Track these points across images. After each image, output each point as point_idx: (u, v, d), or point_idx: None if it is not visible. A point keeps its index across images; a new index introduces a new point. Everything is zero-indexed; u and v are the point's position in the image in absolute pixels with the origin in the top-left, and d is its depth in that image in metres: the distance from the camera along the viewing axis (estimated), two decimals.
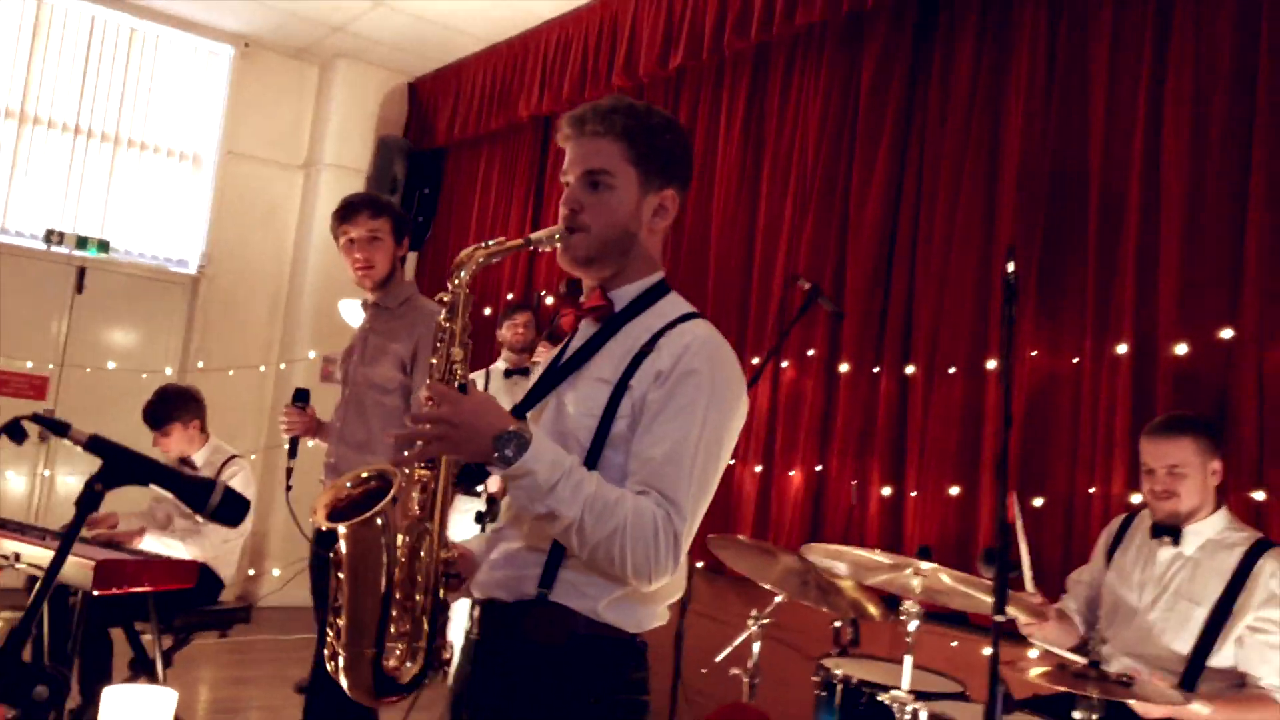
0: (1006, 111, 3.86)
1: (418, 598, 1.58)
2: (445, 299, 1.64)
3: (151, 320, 6.91)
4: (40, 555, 3.43)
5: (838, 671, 2.86)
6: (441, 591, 1.60)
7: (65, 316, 6.53)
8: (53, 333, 6.49)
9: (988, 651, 3.47)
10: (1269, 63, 3.14)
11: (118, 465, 1.31)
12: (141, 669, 3.82)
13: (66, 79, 6.54)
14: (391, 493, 1.55)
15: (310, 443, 3.22)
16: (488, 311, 6.14)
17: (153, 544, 3.91)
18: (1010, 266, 2.24)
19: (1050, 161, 3.69)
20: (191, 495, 1.40)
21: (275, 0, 6.34)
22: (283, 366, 6.94)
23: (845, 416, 4.17)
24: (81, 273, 6.56)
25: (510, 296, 6.20)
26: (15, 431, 1.27)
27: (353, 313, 5.58)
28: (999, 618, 1.87)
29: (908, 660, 2.44)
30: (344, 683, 1.60)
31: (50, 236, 6.33)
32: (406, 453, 1.50)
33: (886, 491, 3.97)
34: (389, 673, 1.60)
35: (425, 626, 1.59)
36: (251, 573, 6.57)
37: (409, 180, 6.88)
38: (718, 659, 3.24)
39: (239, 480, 4.18)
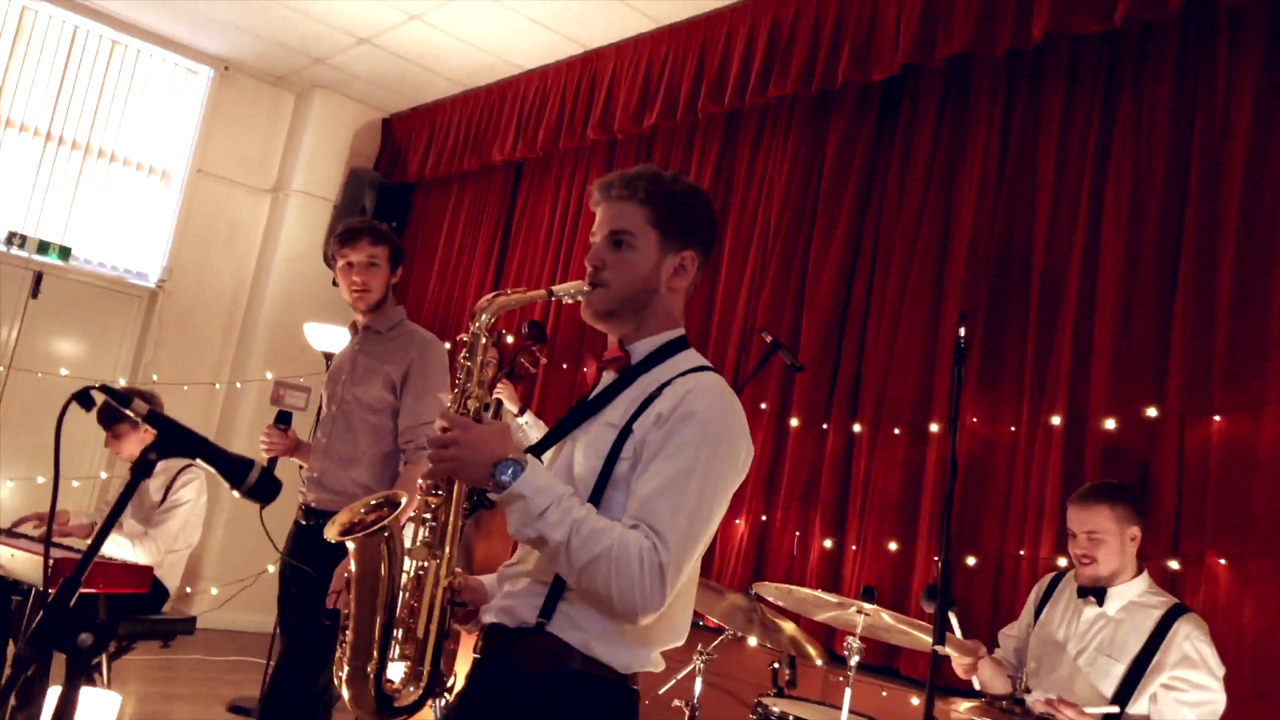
0: (959, 191, 4.12)
1: (422, 620, 1.64)
2: (465, 339, 1.75)
3: (106, 330, 6.89)
4: None
5: (775, 709, 2.99)
6: (448, 620, 1.67)
7: (18, 320, 6.49)
8: (3, 336, 6.45)
9: (916, 702, 3.65)
10: (1199, 162, 3.42)
11: (170, 438, 1.42)
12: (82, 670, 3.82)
13: (43, 85, 6.58)
14: (398, 510, 1.65)
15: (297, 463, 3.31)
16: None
17: (108, 544, 3.92)
18: (961, 330, 2.45)
19: (997, 242, 3.94)
20: (231, 471, 1.51)
21: (261, 29, 6.47)
22: (239, 385, 6.96)
23: (792, 469, 4.35)
24: (38, 277, 6.54)
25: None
26: (84, 399, 1.37)
27: (319, 336, 5.64)
28: (938, 648, 2.03)
29: (848, 693, 2.58)
30: (345, 694, 1.66)
31: (12, 238, 6.32)
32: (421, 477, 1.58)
33: (828, 543, 4.14)
34: (388, 692, 1.66)
35: (429, 651, 1.65)
36: (189, 590, 6.51)
37: (377, 212, 6.99)
38: (661, 691, 3.35)
39: (193, 488, 4.22)
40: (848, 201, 4.47)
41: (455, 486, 1.67)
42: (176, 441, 1.43)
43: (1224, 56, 3.46)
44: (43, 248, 6.44)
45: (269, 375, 6.89)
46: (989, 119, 4.09)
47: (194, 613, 6.39)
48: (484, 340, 1.74)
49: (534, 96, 6.17)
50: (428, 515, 1.68)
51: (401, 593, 1.67)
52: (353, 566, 1.67)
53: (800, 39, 4.53)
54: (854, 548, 4.07)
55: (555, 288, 1.76)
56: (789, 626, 3.30)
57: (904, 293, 4.17)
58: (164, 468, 4.27)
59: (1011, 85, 4.06)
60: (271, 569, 6.27)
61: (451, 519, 1.67)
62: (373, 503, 1.73)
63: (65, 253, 6.54)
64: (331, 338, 5.59)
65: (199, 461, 1.46)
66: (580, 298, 1.77)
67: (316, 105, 7.35)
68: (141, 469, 1.38)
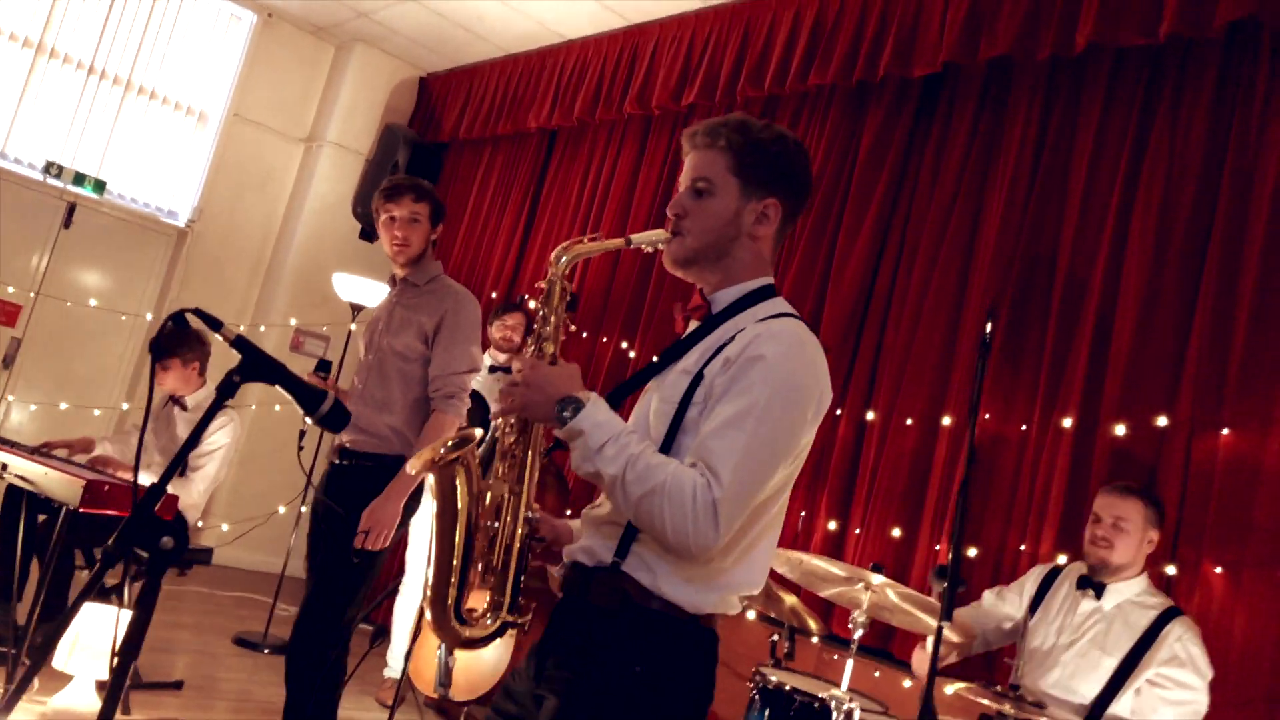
0: (990, 193, 4.18)
1: (499, 552, 1.70)
2: (541, 285, 1.79)
3: (133, 265, 6.98)
4: (27, 468, 3.55)
5: (773, 678, 3.09)
6: (527, 555, 1.73)
7: (49, 249, 6.59)
8: (34, 264, 6.55)
9: (908, 684, 3.74)
10: (1230, 182, 3.48)
11: (253, 362, 1.50)
12: (98, 592, 3.93)
13: (88, 18, 6.65)
14: (473, 444, 1.71)
15: None
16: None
17: (145, 480, 4.03)
18: (989, 326, 2.53)
19: (1024, 245, 4.00)
20: (306, 400, 1.59)
21: None
22: (262, 329, 7.05)
23: None
24: (72, 208, 6.63)
25: (495, 295, 6.41)
26: (180, 320, 1.46)
27: (347, 287, 5.73)
28: (945, 624, 2.12)
29: (849, 665, 2.68)
30: (428, 616, 1.73)
31: (49, 168, 6.40)
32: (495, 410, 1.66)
33: (832, 525, 4.24)
34: (468, 619, 1.72)
35: (509, 583, 1.71)
36: (200, 525, 6.63)
37: (409, 169, 7.06)
38: None
39: (225, 432, 4.33)
40: (879, 193, 4.53)
41: (533, 425, 1.73)
42: (260, 367, 1.51)
43: (1264, 80, 3.51)
44: (78, 179, 6.53)
45: (293, 322, 7.00)
46: (1025, 122, 4.14)
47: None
48: (559, 286, 1.78)
49: (574, 66, 6.23)
50: (507, 454, 1.74)
51: (480, 525, 1.73)
52: (434, 498, 1.74)
53: (845, 29, 4.59)
54: (857, 531, 4.16)
55: (634, 236, 1.79)
56: (790, 598, 3.41)
57: (928, 287, 4.24)
58: (198, 405, 4.37)
59: (1050, 91, 4.11)
60: (283, 509, 6.40)
61: (530, 456, 1.72)
62: (451, 442, 1.79)
63: (100, 186, 6.62)
64: (360, 289, 5.68)
65: (277, 387, 1.54)
66: (660, 246, 1.79)
67: (356, 58, 7.41)
68: (225, 390, 1.46)
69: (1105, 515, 2.97)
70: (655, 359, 1.84)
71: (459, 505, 1.72)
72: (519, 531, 1.72)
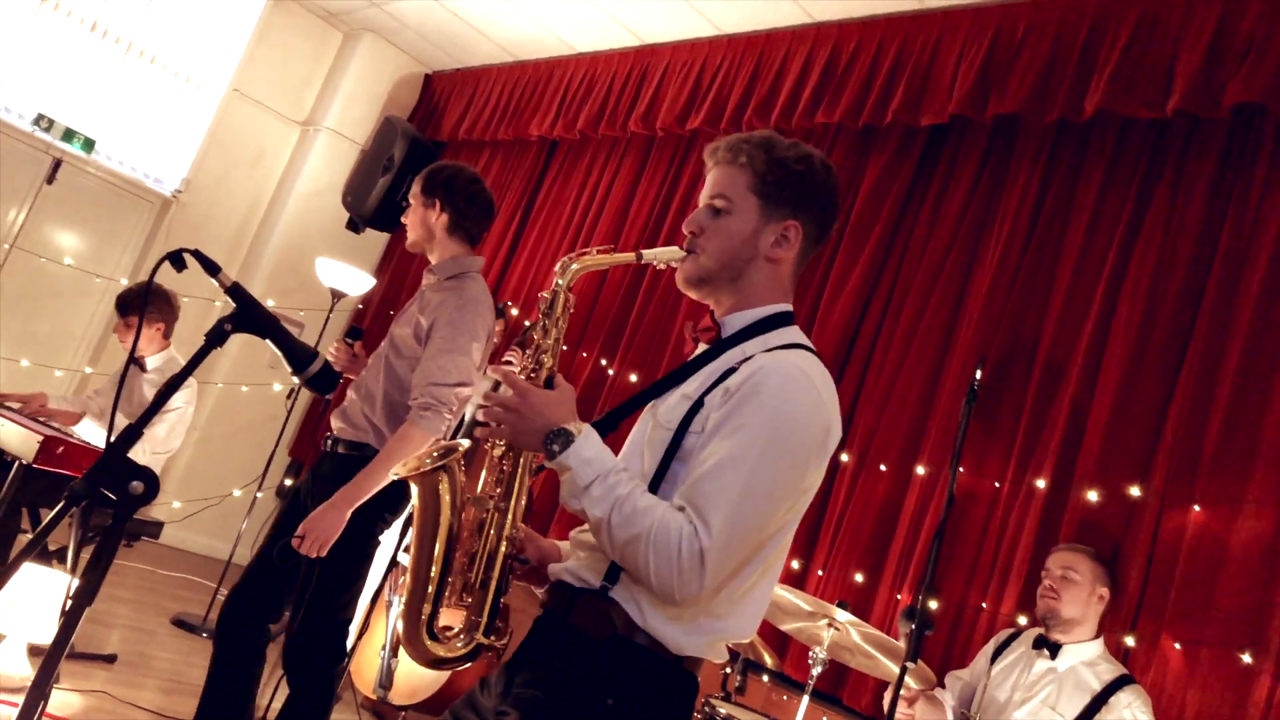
0: (985, 248, 4.19)
1: (479, 569, 1.62)
2: (546, 295, 1.71)
3: (113, 229, 6.86)
4: None
5: (722, 710, 3.04)
6: (508, 574, 1.65)
7: (29, 203, 6.47)
8: (10, 216, 6.42)
9: None
10: (1222, 263, 3.50)
11: (247, 313, 1.45)
12: (39, 552, 3.82)
13: None
14: (458, 453, 1.64)
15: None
16: None
17: (91, 428, 3.93)
18: (978, 374, 2.51)
19: (1013, 305, 3.99)
20: (296, 358, 1.53)
21: None
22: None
23: None
24: (57, 164, 6.52)
25: None
26: (176, 260, 1.40)
27: (330, 272, 5.66)
28: (910, 664, 2.08)
29: (805, 701, 2.63)
30: (401, 631, 1.66)
31: (40, 120, 6.29)
32: (478, 431, 1.58)
33: (795, 564, 4.20)
34: (442, 638, 1.64)
35: (488, 603, 1.63)
36: None
37: (404, 164, 7.00)
38: None
39: (182, 396, 4.24)
40: (874, 237, 4.53)
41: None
42: (253, 318, 1.46)
43: (1264, 166, 3.54)
44: (68, 135, 6.42)
45: (270, 304, 6.90)
46: (1026, 183, 4.16)
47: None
48: (564, 297, 1.70)
49: (581, 79, 6.22)
50: (496, 470, 1.67)
51: (460, 540, 1.65)
52: (415, 506, 1.67)
53: (857, 71, 4.61)
54: (820, 571, 4.12)
55: (646, 252, 1.72)
56: None
57: (913, 335, 4.23)
58: (158, 369, 4.28)
59: (1054, 154, 4.14)
60: (238, 493, 6.28)
61: (520, 474, 1.65)
62: (435, 452, 1.72)
63: (90, 144, 6.52)
64: (344, 276, 5.61)
65: (267, 342, 1.49)
66: (674, 264, 1.72)
67: (363, 48, 7.37)
68: (215, 337, 1.41)
69: (1054, 568, 3.03)
70: (658, 381, 1.75)
71: (441, 517, 1.64)
72: (502, 549, 1.64)
